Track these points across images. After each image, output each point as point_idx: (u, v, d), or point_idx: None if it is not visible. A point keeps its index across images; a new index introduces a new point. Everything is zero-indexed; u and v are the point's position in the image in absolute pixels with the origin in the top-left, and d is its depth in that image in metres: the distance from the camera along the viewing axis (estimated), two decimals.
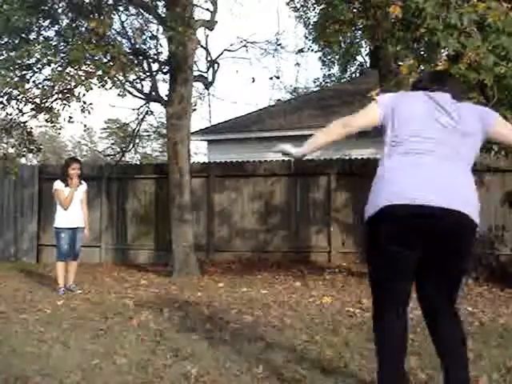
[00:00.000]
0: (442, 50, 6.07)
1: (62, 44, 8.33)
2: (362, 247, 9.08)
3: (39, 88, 8.40)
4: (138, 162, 21.56)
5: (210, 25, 9.67)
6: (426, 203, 2.69)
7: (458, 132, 2.87)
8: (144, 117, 10.59)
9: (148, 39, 9.49)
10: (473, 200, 2.80)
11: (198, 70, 10.27)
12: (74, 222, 7.34)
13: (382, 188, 2.85)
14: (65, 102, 8.29)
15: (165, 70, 9.45)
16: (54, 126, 8.96)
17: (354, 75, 22.03)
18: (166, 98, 9.25)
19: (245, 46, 10.70)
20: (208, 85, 10.45)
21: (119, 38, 9.22)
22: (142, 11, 9.45)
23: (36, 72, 8.60)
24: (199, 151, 23.82)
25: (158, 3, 9.34)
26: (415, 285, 2.93)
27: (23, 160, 12.47)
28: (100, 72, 7.80)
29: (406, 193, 2.73)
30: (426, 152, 2.82)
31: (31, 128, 9.32)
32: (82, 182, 7.53)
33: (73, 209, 7.35)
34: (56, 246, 7.47)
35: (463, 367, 2.88)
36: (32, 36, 8.55)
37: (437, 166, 2.80)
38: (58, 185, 7.41)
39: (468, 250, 2.88)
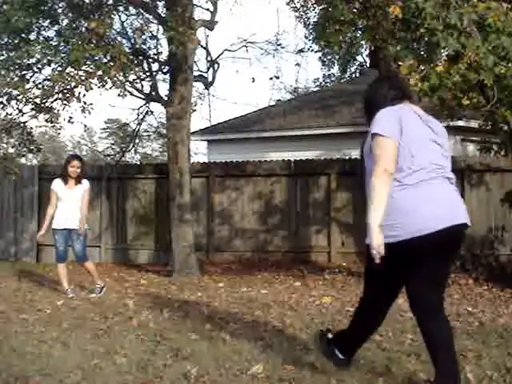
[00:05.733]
0: (442, 50, 6.08)
1: (62, 44, 8.31)
2: None
3: (39, 88, 8.39)
4: (138, 162, 21.55)
5: (210, 25, 9.67)
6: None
7: (443, 148, 3.26)
8: (144, 117, 10.58)
9: (148, 39, 9.47)
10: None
11: (198, 70, 10.27)
12: (67, 223, 7.02)
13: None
14: (65, 102, 8.29)
15: (165, 70, 9.45)
16: (54, 126, 8.97)
17: (353, 75, 22.03)
18: (166, 98, 9.24)
19: (245, 46, 10.68)
20: (208, 85, 10.45)
21: (119, 38, 9.22)
22: (142, 11, 9.44)
23: (36, 72, 8.60)
24: (199, 151, 23.81)
25: (158, 3, 9.34)
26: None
27: (23, 160, 12.47)
28: (100, 72, 7.79)
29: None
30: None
31: (31, 128, 9.33)
32: (83, 181, 7.15)
33: (67, 209, 7.02)
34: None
35: None
36: (32, 36, 8.54)
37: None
38: (53, 184, 7.14)
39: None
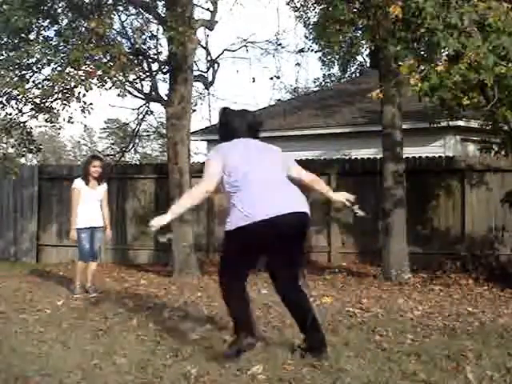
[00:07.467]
0: (442, 50, 6.07)
1: (61, 44, 8.31)
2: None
3: (39, 88, 8.39)
4: (137, 162, 21.55)
5: (210, 25, 9.66)
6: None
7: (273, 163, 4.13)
8: (144, 117, 10.58)
9: (148, 39, 9.47)
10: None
11: (198, 70, 10.26)
12: (91, 222, 7.23)
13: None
14: (65, 102, 8.28)
15: (165, 70, 9.43)
16: (54, 125, 8.97)
17: (353, 75, 22.04)
18: (166, 98, 9.24)
19: (245, 45, 10.68)
20: (208, 85, 10.44)
21: (119, 38, 9.21)
22: (142, 11, 9.43)
23: (36, 72, 8.59)
24: (199, 151, 23.80)
25: (158, 3, 9.33)
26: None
27: (23, 160, 12.45)
28: (100, 72, 7.79)
29: None
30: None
31: (31, 128, 9.31)
32: (103, 181, 7.43)
33: (91, 208, 7.24)
34: (77, 247, 7.40)
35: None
36: (32, 36, 8.53)
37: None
38: (75, 183, 7.30)
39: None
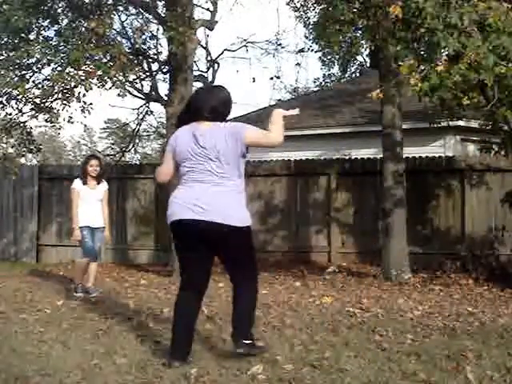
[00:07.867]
0: (442, 50, 6.07)
1: (62, 44, 8.31)
2: None
3: (39, 88, 8.40)
4: (138, 162, 21.55)
5: (210, 25, 9.67)
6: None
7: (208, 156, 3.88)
8: (144, 117, 10.60)
9: (148, 39, 9.49)
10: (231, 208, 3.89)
11: (198, 70, 10.28)
12: (93, 222, 7.15)
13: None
14: (65, 102, 8.29)
15: (165, 70, 9.44)
16: (54, 125, 8.98)
17: (353, 75, 22.05)
18: (166, 98, 9.24)
19: (245, 45, 10.70)
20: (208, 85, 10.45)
21: (119, 38, 9.23)
22: (142, 11, 9.44)
23: (36, 72, 8.60)
24: None
25: (158, 3, 9.34)
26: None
27: (23, 160, 12.46)
28: (100, 72, 7.79)
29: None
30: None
31: (31, 128, 9.33)
32: (103, 180, 7.34)
33: (91, 208, 7.15)
34: (79, 246, 7.36)
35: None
36: (32, 36, 8.55)
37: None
38: (74, 184, 7.22)
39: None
